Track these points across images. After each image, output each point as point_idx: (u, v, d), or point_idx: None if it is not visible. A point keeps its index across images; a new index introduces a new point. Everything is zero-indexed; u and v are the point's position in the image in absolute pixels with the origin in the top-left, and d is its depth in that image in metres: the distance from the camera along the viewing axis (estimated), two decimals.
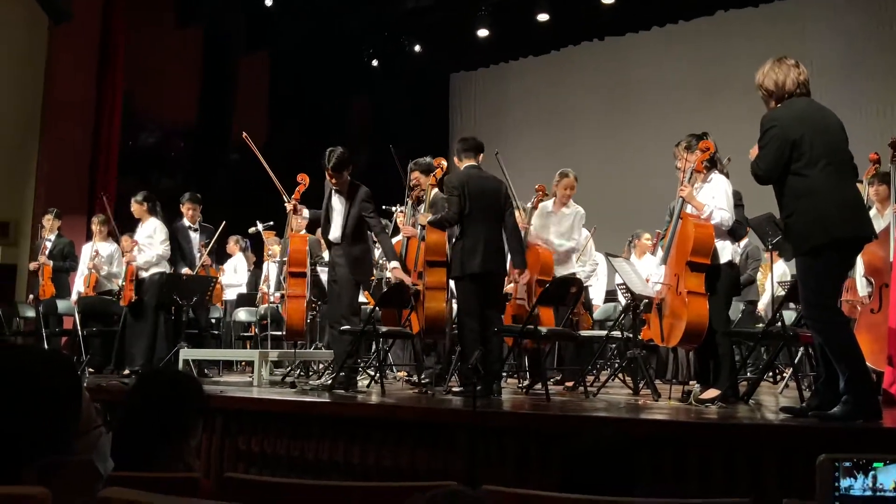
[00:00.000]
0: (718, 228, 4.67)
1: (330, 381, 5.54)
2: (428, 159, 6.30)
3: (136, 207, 7.21)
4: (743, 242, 6.26)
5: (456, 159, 5.60)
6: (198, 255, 7.26)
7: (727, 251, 4.75)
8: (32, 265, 8.20)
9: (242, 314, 8.37)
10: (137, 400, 2.29)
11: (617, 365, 6.48)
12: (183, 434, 2.29)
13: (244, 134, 6.79)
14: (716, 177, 4.80)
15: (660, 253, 5.27)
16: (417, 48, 12.80)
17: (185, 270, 7.07)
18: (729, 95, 10.33)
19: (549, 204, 6.40)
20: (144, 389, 2.33)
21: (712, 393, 4.52)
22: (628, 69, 11.79)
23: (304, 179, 6.43)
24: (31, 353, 1.40)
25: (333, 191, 5.68)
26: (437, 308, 5.49)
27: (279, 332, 7.22)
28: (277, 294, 7.58)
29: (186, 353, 6.59)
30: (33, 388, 1.27)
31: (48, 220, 8.26)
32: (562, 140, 12.19)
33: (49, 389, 1.29)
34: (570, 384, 6.09)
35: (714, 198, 4.71)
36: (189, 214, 7.36)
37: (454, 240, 5.42)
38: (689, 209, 4.77)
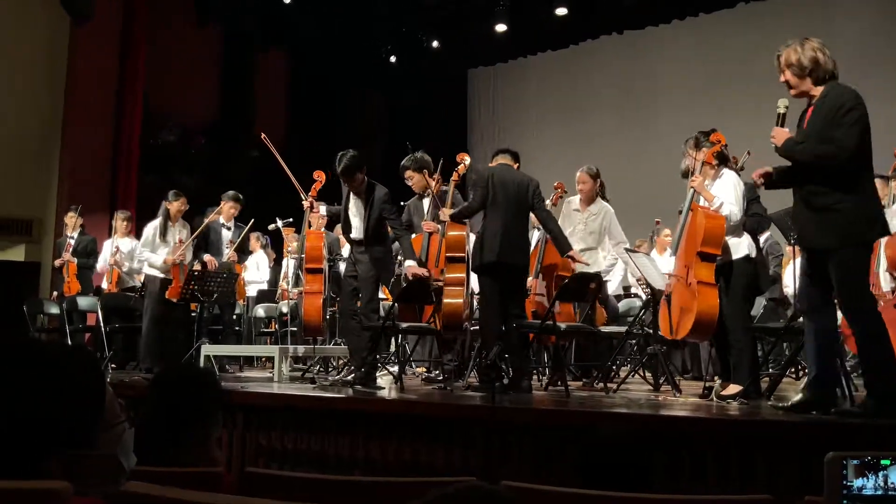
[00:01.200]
0: (729, 224, 4.62)
1: (349, 377, 5.57)
2: (419, 155, 6.23)
3: (185, 208, 7.23)
4: (763, 237, 6.19)
5: (491, 164, 5.60)
6: (226, 251, 7.34)
7: (742, 246, 4.68)
8: (57, 262, 8.29)
9: (261, 310, 8.42)
10: (156, 395, 2.32)
11: (637, 361, 6.44)
12: (203, 427, 2.33)
13: (263, 135, 6.83)
14: (725, 173, 4.76)
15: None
16: (435, 44, 12.79)
17: (207, 257, 7.13)
18: (751, 89, 10.21)
19: (574, 200, 6.38)
20: (163, 385, 2.37)
21: (733, 389, 4.48)
22: (648, 63, 11.70)
23: (320, 176, 6.44)
24: (56, 349, 1.42)
25: (351, 192, 5.67)
26: (454, 304, 5.50)
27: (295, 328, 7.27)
28: (296, 290, 7.62)
29: (207, 349, 6.64)
30: (58, 383, 1.28)
31: (71, 218, 8.36)
32: (581, 135, 12.13)
33: (73, 384, 1.31)
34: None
35: (723, 193, 4.68)
36: (229, 213, 7.45)
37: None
38: (701, 202, 4.74)
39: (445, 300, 5.49)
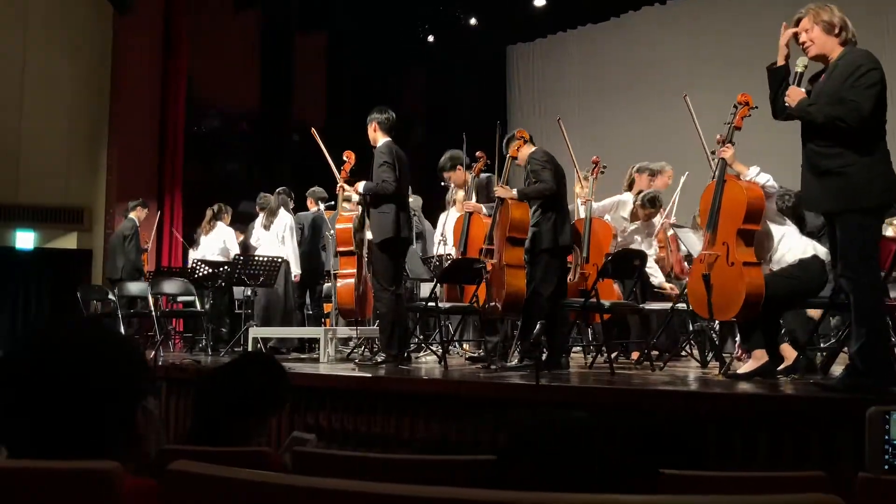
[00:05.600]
0: (768, 194, 4.42)
1: (386, 356, 5.55)
2: (448, 154, 6.19)
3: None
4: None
5: (521, 143, 5.49)
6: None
7: (791, 251, 4.39)
8: (147, 245, 8.77)
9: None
10: (228, 380, 2.39)
11: (683, 338, 6.35)
12: (266, 415, 2.42)
13: (312, 130, 6.86)
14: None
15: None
16: (473, 21, 12.68)
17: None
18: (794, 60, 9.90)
19: (628, 201, 6.33)
20: (239, 370, 2.45)
21: (749, 366, 4.39)
22: (694, 33, 11.36)
23: (349, 157, 6.41)
24: (99, 346, 1.30)
25: None
26: (519, 285, 5.35)
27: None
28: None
29: (255, 332, 6.75)
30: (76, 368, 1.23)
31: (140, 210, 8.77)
32: (623, 110, 11.90)
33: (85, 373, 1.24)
34: (636, 357, 6.03)
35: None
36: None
37: (538, 213, 5.25)
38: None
39: (510, 282, 5.32)
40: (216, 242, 8.15)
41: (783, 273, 4.44)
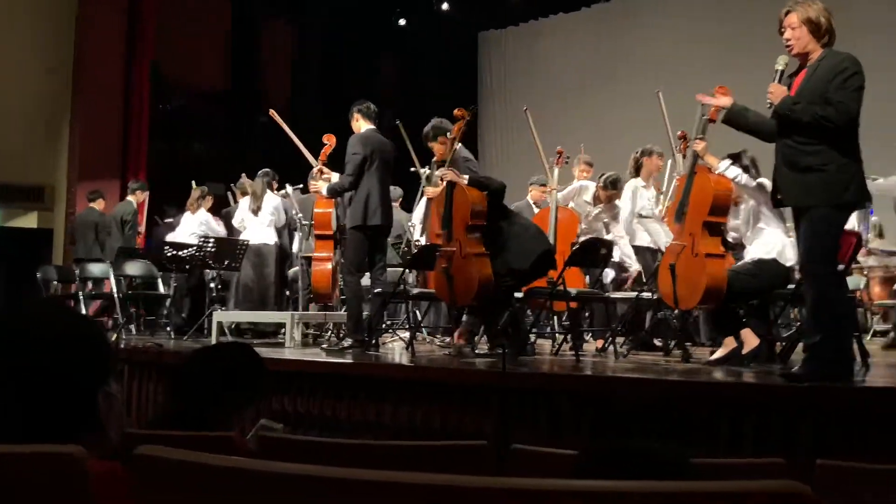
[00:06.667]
0: (741, 185, 4.47)
1: (351, 342, 5.51)
2: (435, 122, 5.63)
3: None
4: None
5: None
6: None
7: (764, 246, 4.44)
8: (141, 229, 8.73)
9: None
10: (198, 368, 2.37)
11: (647, 326, 6.43)
12: (244, 406, 2.41)
13: (271, 111, 6.80)
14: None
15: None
16: (445, 6, 12.63)
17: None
18: (776, 50, 9.97)
19: (590, 188, 6.32)
20: (220, 358, 2.43)
21: (724, 350, 4.48)
22: (667, 24, 11.35)
23: (329, 140, 6.31)
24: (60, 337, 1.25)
25: None
26: (487, 273, 5.04)
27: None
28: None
29: (219, 316, 6.67)
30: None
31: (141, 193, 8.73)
32: (595, 101, 11.94)
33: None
34: (599, 345, 6.09)
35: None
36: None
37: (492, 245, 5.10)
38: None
39: (481, 270, 5.00)
40: (199, 219, 8.08)
41: (743, 270, 4.52)
